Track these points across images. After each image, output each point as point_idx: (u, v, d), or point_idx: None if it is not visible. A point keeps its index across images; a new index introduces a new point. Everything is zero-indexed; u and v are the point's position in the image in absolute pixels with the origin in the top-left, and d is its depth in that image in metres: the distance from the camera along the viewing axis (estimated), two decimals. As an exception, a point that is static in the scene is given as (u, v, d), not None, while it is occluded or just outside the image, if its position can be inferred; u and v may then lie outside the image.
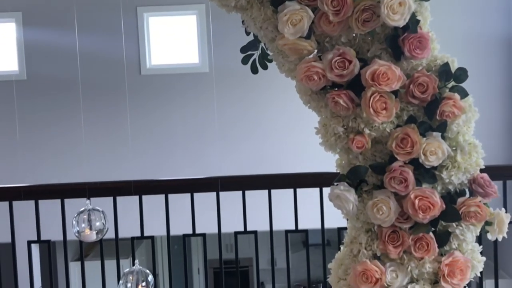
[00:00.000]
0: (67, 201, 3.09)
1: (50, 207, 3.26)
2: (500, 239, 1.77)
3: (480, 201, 1.69)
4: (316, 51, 1.72)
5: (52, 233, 3.29)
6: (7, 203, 3.11)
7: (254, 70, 1.95)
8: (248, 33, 1.88)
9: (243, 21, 1.80)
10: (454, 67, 1.69)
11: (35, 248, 4.37)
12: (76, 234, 2.76)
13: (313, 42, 1.69)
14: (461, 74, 1.68)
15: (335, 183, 1.75)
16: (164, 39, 6.76)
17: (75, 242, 3.33)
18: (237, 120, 6.65)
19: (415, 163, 1.68)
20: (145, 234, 3.19)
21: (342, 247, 1.87)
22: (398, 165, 1.68)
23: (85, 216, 2.71)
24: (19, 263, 3.18)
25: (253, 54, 1.94)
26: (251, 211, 3.28)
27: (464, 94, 1.69)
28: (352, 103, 1.68)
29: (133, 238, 3.22)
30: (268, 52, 1.86)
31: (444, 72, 1.67)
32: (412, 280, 1.73)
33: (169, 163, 6.48)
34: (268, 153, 6.45)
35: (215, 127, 6.41)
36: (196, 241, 9.34)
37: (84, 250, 3.28)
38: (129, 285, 2.55)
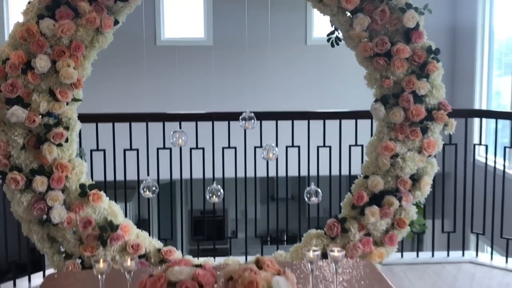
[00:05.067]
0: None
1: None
2: (451, 132, 3.64)
3: (443, 112, 3.55)
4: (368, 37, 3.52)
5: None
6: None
7: (332, 45, 3.76)
8: (332, 25, 3.68)
9: (330, 20, 3.59)
10: (433, 47, 3.52)
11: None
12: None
13: (367, 33, 3.49)
14: (437, 51, 3.52)
15: (374, 102, 3.57)
16: (175, 15, 8.38)
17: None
18: (235, 83, 8.40)
19: (413, 94, 3.51)
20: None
21: (371, 137, 3.70)
22: (405, 93, 3.51)
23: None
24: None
25: (331, 38, 3.74)
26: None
27: (437, 60, 3.53)
28: (385, 63, 3.49)
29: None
30: (340, 36, 3.65)
31: (430, 49, 3.51)
32: (409, 150, 3.57)
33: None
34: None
35: (215, 90, 8.19)
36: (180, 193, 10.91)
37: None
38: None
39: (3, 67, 3.27)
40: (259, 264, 2.24)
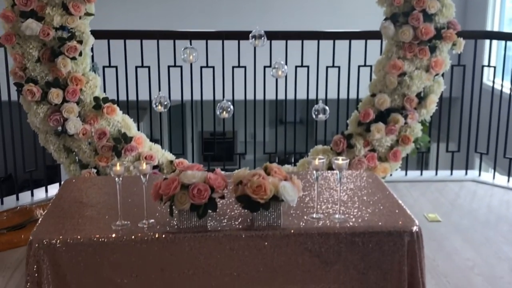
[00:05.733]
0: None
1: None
2: (459, 51, 3.67)
3: (452, 31, 3.58)
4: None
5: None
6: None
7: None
8: None
9: None
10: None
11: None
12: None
13: (379, -51, 3.48)
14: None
15: (384, 20, 3.59)
16: None
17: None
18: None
19: (423, 12, 3.53)
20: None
21: (380, 56, 3.75)
22: (416, 12, 3.53)
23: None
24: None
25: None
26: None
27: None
28: (396, -19, 3.50)
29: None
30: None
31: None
32: (416, 68, 3.63)
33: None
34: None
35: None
36: (190, 113, 11.01)
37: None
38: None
39: (17, -20, 3.30)
40: (267, 171, 2.36)
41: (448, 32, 3.59)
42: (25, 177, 4.34)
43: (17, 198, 4.21)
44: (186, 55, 3.63)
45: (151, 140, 3.95)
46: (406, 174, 4.68)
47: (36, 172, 4.26)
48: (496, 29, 8.11)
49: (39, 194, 4.31)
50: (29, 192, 4.29)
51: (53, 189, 4.33)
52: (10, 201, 4.17)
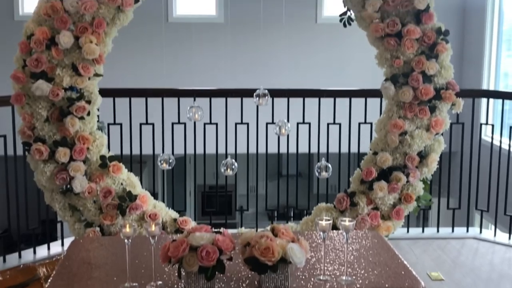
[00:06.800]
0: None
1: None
2: (458, 111, 3.76)
3: (451, 92, 3.67)
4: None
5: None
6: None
7: (345, 25, 3.87)
8: (344, 6, 3.78)
9: (343, 0, 3.69)
10: (443, 28, 3.63)
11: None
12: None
13: (379, 14, 3.60)
14: (446, 32, 3.63)
15: (384, 81, 3.69)
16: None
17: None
18: (246, 60, 8.53)
19: (423, 73, 3.63)
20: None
21: (381, 115, 3.83)
22: (415, 73, 3.63)
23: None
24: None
25: (343, 18, 3.85)
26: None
27: (446, 42, 3.64)
28: (396, 44, 3.60)
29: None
30: (352, 17, 3.76)
31: (439, 30, 3.62)
32: (417, 127, 3.70)
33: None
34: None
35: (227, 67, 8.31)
36: (190, 168, 11.07)
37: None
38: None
39: (28, 42, 3.40)
40: (274, 232, 2.39)
41: (447, 93, 3.68)
42: (22, 232, 4.30)
43: (19, 256, 4.20)
44: (191, 114, 3.69)
45: (152, 194, 3.99)
46: (407, 231, 4.70)
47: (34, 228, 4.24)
48: (492, 83, 8.26)
49: (41, 251, 4.30)
50: (31, 250, 4.28)
51: (55, 246, 4.32)
52: (12, 259, 4.15)
